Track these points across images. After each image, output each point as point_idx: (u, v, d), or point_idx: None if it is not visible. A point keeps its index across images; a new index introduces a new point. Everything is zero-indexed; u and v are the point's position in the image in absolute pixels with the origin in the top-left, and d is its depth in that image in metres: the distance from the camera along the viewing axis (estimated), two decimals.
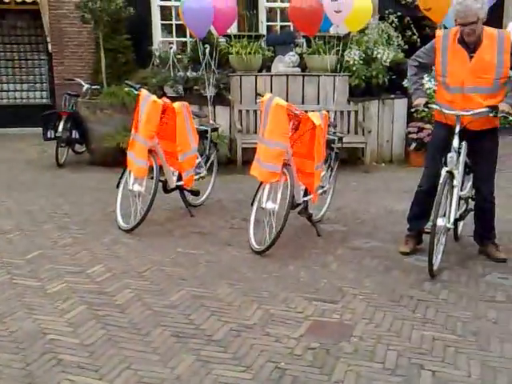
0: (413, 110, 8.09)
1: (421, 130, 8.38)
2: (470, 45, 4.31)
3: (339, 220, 5.82)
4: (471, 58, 4.32)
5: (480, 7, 4.16)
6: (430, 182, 4.56)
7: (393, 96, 8.80)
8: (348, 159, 8.32)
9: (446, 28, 8.37)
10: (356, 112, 8.65)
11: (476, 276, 4.36)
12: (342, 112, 8.61)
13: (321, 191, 5.49)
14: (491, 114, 4.24)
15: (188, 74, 8.58)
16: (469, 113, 4.30)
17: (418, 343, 3.35)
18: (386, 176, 8.02)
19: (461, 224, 5.14)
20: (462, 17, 4.20)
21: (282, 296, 4.01)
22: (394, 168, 8.52)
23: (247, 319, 3.65)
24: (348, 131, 8.60)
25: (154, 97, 5.36)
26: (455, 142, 4.33)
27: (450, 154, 4.30)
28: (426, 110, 4.47)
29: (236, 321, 3.62)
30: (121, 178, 5.52)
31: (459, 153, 4.41)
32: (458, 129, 4.33)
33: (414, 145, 8.40)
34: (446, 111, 4.36)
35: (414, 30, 9.56)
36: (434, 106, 4.45)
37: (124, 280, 4.24)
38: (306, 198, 5.19)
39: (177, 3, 9.42)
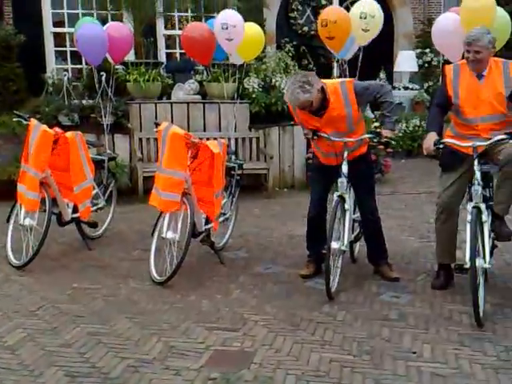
0: (304, 138, 8.34)
1: None
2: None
3: (242, 247, 5.84)
4: (321, 115, 4.50)
5: (308, 96, 4.26)
6: (317, 207, 4.76)
7: (292, 123, 8.99)
8: (251, 185, 8.38)
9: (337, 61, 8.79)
10: (257, 139, 8.77)
11: (371, 296, 4.49)
12: (243, 139, 8.71)
13: (222, 219, 5.50)
14: (375, 140, 4.42)
15: (84, 101, 8.39)
16: (355, 139, 4.51)
17: (316, 366, 3.40)
18: (289, 201, 8.16)
19: (357, 246, 5.31)
20: (298, 105, 4.38)
21: (183, 327, 3.95)
22: (295, 193, 8.68)
23: (146, 354, 3.56)
24: (250, 158, 8.70)
25: (45, 126, 5.18)
26: (344, 168, 4.50)
27: (340, 179, 4.47)
28: (316, 137, 4.62)
29: (134, 356, 3.52)
30: (11, 211, 5.27)
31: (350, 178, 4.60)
32: (346, 154, 4.51)
33: None
34: (333, 138, 4.52)
35: (310, 59, 9.90)
36: (323, 135, 4.58)
37: (15, 320, 4.02)
38: (207, 226, 5.17)
39: (71, 30, 9.21)
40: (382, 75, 11.67)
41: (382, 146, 9.33)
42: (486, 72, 4.32)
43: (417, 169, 10.08)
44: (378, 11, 7.52)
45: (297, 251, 5.53)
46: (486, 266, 4.03)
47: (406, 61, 11.35)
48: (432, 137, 4.31)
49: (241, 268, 5.19)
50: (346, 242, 4.50)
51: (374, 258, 4.97)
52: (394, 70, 11.79)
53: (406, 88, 11.69)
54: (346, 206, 4.49)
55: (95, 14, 9.71)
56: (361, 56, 8.14)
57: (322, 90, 4.40)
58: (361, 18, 7.31)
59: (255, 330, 3.89)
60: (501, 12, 6.74)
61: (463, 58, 4.51)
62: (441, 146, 4.30)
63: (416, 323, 3.98)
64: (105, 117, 7.91)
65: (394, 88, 11.75)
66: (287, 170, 9.00)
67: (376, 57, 11.65)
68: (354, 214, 4.92)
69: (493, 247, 4.57)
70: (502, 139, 4.12)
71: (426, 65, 11.82)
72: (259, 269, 5.16)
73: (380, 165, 9.02)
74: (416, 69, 11.59)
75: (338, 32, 7.76)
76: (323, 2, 11.78)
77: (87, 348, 3.61)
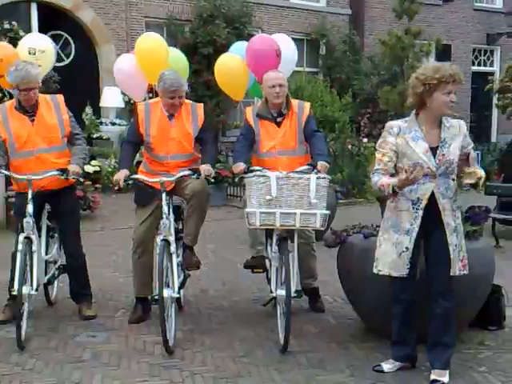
0: None
1: None
2: (29, 109, 4.44)
3: None
4: (33, 121, 4.44)
5: (39, 73, 4.37)
6: None
7: None
8: None
9: None
10: None
11: (66, 338, 4.32)
12: None
13: None
14: (62, 177, 4.30)
15: None
16: (40, 176, 4.32)
17: None
18: None
19: (54, 287, 5.08)
20: (26, 82, 4.29)
21: None
22: None
23: None
24: None
25: None
26: (30, 208, 4.28)
27: (25, 219, 4.23)
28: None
29: None
30: None
31: (40, 217, 4.43)
32: (30, 194, 4.30)
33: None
34: (16, 176, 4.31)
35: (6, 92, 9.36)
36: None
37: None
38: None
39: None
40: (89, 110, 11.64)
41: (89, 182, 9.24)
42: (177, 113, 4.51)
43: (127, 204, 10.11)
44: (49, 45, 7.40)
45: None
46: (175, 295, 4.18)
47: (111, 96, 11.46)
48: (123, 173, 4.36)
49: None
50: (35, 285, 4.25)
51: (76, 295, 4.83)
52: (100, 105, 11.84)
53: (113, 123, 11.81)
54: (34, 248, 4.26)
55: None
56: None
57: None
58: (30, 53, 7.07)
59: None
60: (176, 52, 7.24)
61: (150, 98, 4.70)
62: (130, 181, 4.37)
63: (109, 360, 3.93)
64: None
65: (101, 123, 11.81)
66: None
67: (82, 92, 11.59)
68: (47, 254, 4.72)
69: (185, 277, 4.80)
70: (187, 174, 4.33)
71: (132, 101, 12.10)
72: None
73: (88, 201, 8.88)
74: (122, 105, 11.78)
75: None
76: (21, 34, 11.29)
77: None
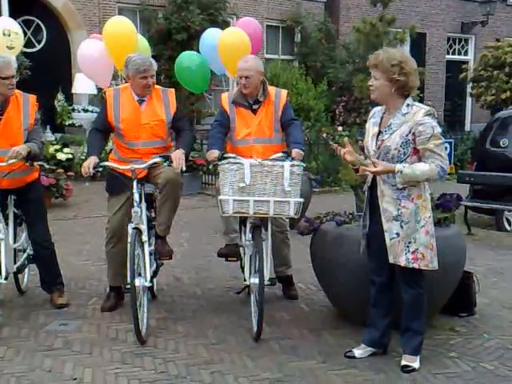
0: None
1: None
2: None
3: None
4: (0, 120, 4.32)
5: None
6: None
7: None
8: None
9: None
10: None
11: (37, 327, 4.27)
12: None
13: None
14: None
15: None
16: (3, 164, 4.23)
17: None
18: None
19: (25, 276, 5.01)
20: (9, 67, 4.18)
21: None
22: None
23: None
24: None
25: None
26: None
27: None
28: None
29: None
30: None
31: (7, 205, 4.41)
32: None
33: None
34: None
35: None
36: None
37: None
38: None
39: None
40: (61, 97, 11.45)
41: (62, 170, 9.12)
42: (147, 98, 4.42)
43: (101, 192, 9.97)
44: (19, 28, 7.42)
45: None
46: (147, 284, 4.13)
47: (84, 83, 11.24)
48: (92, 159, 4.27)
49: None
50: (4, 273, 4.21)
51: (47, 285, 4.77)
52: (72, 91, 11.67)
53: (85, 110, 11.65)
54: (1, 236, 4.21)
55: None
56: None
57: None
58: (4, 35, 7.01)
59: None
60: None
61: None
62: (100, 168, 4.29)
63: (81, 348, 3.90)
64: None
65: (73, 110, 11.63)
66: None
67: (54, 78, 11.42)
68: (15, 242, 4.64)
69: (158, 265, 4.74)
70: (158, 161, 4.24)
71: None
72: None
73: (61, 189, 8.77)
74: (95, 91, 11.60)
75: None
76: None
77: None
